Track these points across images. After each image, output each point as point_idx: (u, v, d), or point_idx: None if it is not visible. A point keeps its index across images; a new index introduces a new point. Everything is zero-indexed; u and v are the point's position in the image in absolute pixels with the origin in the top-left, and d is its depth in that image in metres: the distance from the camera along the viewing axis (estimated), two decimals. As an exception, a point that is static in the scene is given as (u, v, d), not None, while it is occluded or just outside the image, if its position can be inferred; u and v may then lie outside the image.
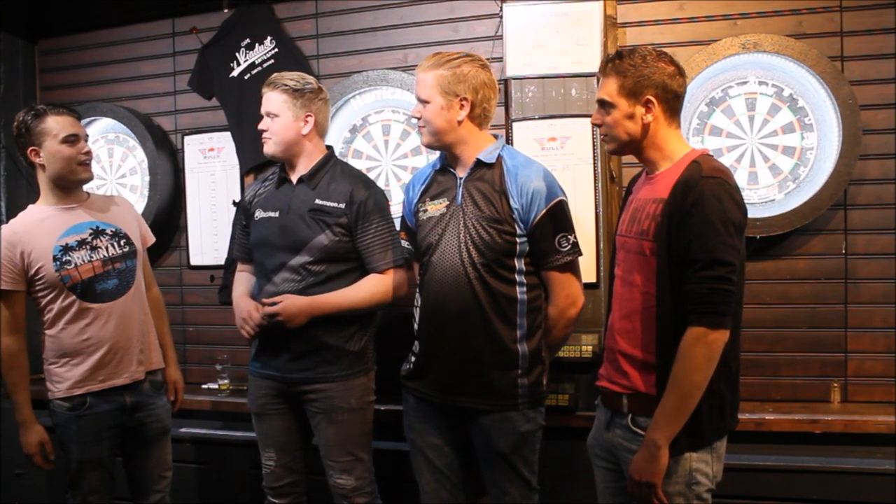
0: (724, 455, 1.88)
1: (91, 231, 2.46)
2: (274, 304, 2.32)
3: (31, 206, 2.51)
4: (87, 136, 2.52)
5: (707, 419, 1.78)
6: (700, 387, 1.73)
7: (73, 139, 2.42)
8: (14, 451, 3.42)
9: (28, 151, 2.41)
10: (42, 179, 2.46)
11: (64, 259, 2.39)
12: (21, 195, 3.50)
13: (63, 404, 2.42)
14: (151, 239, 2.70)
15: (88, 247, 2.43)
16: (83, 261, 2.41)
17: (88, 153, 2.47)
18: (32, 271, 2.38)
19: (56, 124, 2.40)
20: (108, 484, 2.49)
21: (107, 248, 2.47)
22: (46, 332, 2.44)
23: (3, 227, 2.44)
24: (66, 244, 2.41)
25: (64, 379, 2.42)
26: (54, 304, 2.40)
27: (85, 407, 2.41)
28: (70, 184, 2.46)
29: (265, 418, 2.50)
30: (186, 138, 3.35)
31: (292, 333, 2.36)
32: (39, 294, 2.41)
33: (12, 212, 3.47)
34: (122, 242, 2.51)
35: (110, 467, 2.49)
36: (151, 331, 2.58)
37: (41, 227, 2.41)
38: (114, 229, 2.51)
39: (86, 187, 2.55)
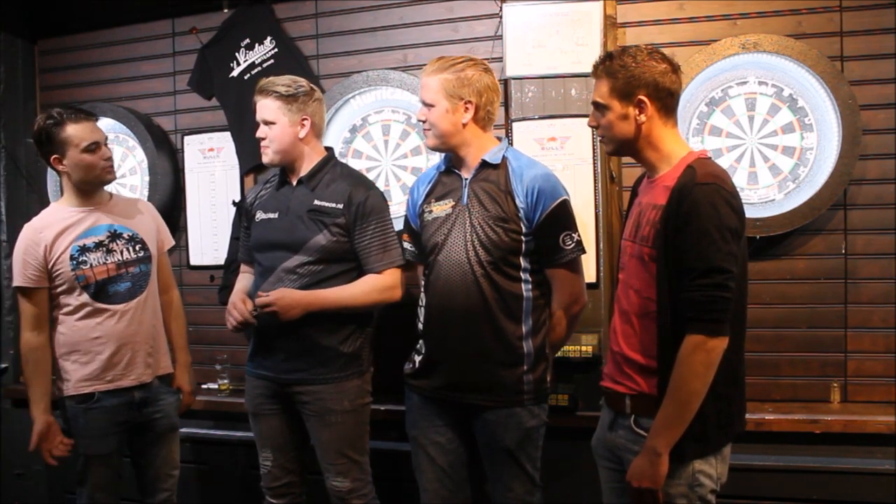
0: (729, 456, 1.87)
1: (108, 234, 2.51)
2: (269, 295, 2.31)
3: (53, 205, 2.58)
4: (106, 138, 2.53)
5: (714, 425, 1.78)
6: (700, 394, 1.72)
7: (94, 147, 2.45)
8: (14, 451, 3.44)
9: (52, 160, 2.45)
10: (66, 182, 2.51)
11: (80, 259, 2.44)
12: (21, 195, 3.50)
13: (72, 400, 2.46)
14: (170, 242, 2.74)
15: (104, 249, 2.48)
16: (98, 262, 2.46)
17: (110, 158, 2.50)
18: (50, 267, 2.43)
19: (76, 133, 2.42)
20: (116, 483, 2.51)
21: (122, 252, 2.51)
22: (59, 327, 2.47)
23: (27, 224, 2.49)
24: (84, 245, 2.46)
25: (72, 376, 2.45)
26: (68, 301, 2.45)
27: (93, 400, 2.45)
28: (94, 187, 2.51)
29: (261, 418, 2.50)
30: (186, 138, 3.35)
31: (287, 333, 2.35)
32: (55, 290, 2.46)
33: (12, 212, 3.48)
34: (137, 247, 2.55)
35: (118, 466, 2.52)
36: (161, 336, 2.62)
37: (63, 226, 2.45)
38: (130, 234, 2.55)
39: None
